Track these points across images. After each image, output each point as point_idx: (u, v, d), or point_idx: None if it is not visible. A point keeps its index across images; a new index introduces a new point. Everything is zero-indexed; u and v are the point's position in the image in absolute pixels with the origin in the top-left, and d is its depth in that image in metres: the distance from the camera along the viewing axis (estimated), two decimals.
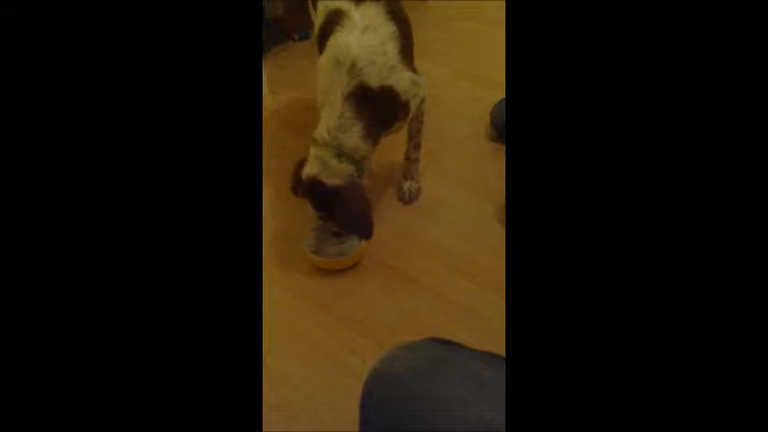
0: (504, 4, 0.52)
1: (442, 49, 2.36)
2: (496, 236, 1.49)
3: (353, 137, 1.33)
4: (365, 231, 1.37)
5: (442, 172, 1.72)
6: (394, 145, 1.62)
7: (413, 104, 1.44)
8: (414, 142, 1.58)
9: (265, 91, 2.12)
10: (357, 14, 1.35)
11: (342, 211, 1.34)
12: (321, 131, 1.35)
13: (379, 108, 1.35)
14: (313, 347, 1.27)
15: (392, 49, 1.34)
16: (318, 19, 1.50)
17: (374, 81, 1.31)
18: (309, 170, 1.34)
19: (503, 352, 0.53)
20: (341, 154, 1.33)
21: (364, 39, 1.32)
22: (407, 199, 1.62)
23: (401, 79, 1.36)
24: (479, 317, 1.29)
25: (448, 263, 1.44)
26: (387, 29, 1.35)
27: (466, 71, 2.19)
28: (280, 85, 2.16)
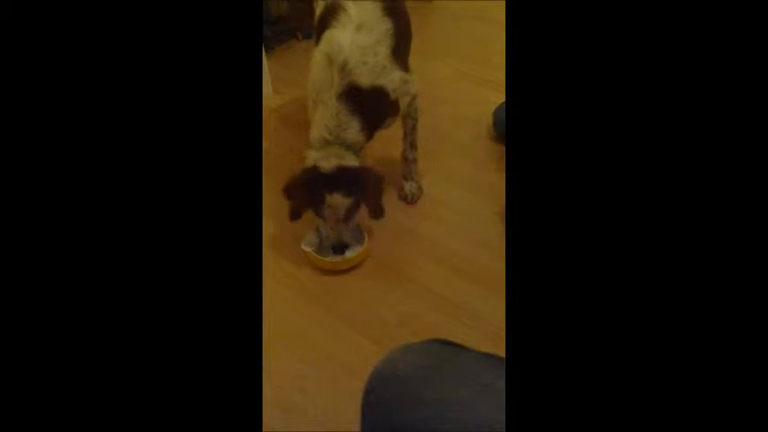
0: None
1: (446, 49, 2.35)
2: (498, 237, 1.49)
3: (353, 131, 1.37)
4: (380, 208, 1.41)
5: (444, 172, 1.72)
6: (394, 144, 1.62)
7: (403, 102, 1.45)
8: (409, 141, 1.58)
9: (269, 89, 2.12)
10: (354, 9, 1.35)
11: (368, 188, 1.36)
12: (321, 132, 1.36)
13: (370, 106, 1.37)
14: (314, 347, 1.27)
15: (384, 48, 1.36)
16: (317, 9, 1.51)
17: (365, 81, 1.33)
18: (330, 164, 1.34)
19: (504, 353, 0.53)
20: (348, 148, 1.37)
21: (358, 37, 1.33)
22: (409, 200, 1.62)
23: (392, 79, 1.38)
24: (480, 317, 1.29)
25: (449, 263, 1.44)
26: (382, 26, 1.36)
27: (469, 72, 2.18)
28: (283, 83, 2.16)
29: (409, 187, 1.62)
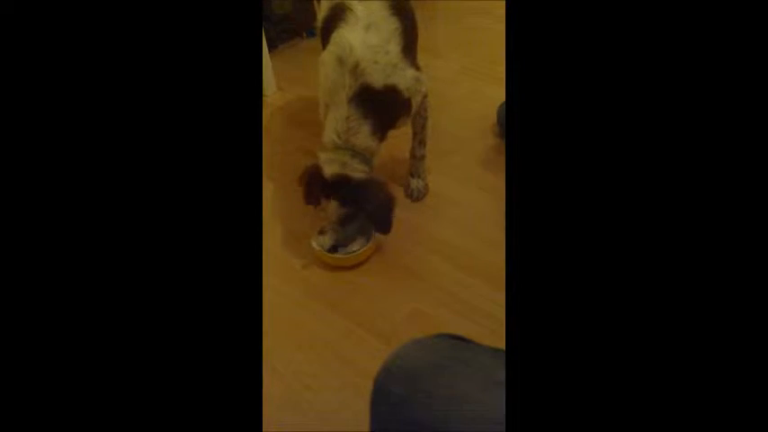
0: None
1: (451, 45, 2.35)
2: (504, 233, 1.49)
3: (363, 136, 1.35)
4: (387, 225, 1.39)
5: (450, 169, 1.72)
6: (400, 142, 1.62)
7: (415, 101, 1.44)
8: (419, 139, 1.58)
9: (273, 87, 2.12)
10: (360, 9, 1.34)
11: (371, 202, 1.35)
12: (331, 136, 1.36)
13: (383, 107, 1.35)
14: (321, 345, 1.27)
15: (394, 47, 1.34)
16: (322, 12, 1.50)
17: (377, 81, 1.32)
18: (331, 170, 1.34)
19: None
20: (355, 154, 1.35)
21: (367, 37, 1.32)
22: (415, 197, 1.62)
23: (403, 77, 1.37)
24: (487, 314, 1.29)
25: (456, 260, 1.44)
26: (390, 25, 1.35)
27: (474, 68, 2.18)
28: (288, 81, 2.16)
29: (416, 184, 1.62)
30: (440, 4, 2.70)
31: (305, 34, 2.48)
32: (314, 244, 1.45)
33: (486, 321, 1.27)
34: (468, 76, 2.15)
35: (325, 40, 1.41)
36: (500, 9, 2.46)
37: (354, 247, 1.44)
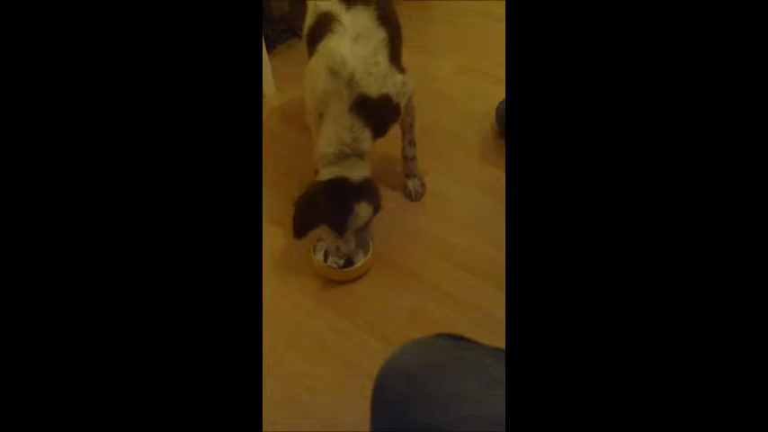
0: None
1: (447, 44, 2.35)
2: (504, 232, 1.48)
3: (367, 141, 1.38)
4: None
5: (448, 168, 1.72)
6: (392, 143, 1.62)
7: (402, 103, 1.47)
8: (408, 138, 1.59)
9: (272, 88, 2.12)
10: (348, 20, 1.35)
11: (364, 204, 1.36)
12: (339, 147, 1.36)
13: (378, 114, 1.38)
14: (321, 346, 1.27)
15: (383, 58, 1.37)
16: (308, 20, 1.50)
17: (372, 91, 1.34)
18: (354, 174, 1.36)
19: None
20: (359, 159, 1.38)
21: (356, 48, 1.33)
22: (413, 197, 1.62)
23: (393, 84, 1.40)
24: (487, 314, 1.29)
25: (455, 260, 1.44)
26: (378, 36, 1.36)
27: (472, 67, 2.17)
28: (286, 81, 2.16)
29: (413, 184, 1.62)
30: (439, 4, 2.70)
31: (302, 34, 2.48)
32: (313, 256, 1.44)
33: (486, 321, 1.27)
34: (465, 74, 2.15)
35: (312, 48, 1.42)
36: (499, 9, 2.46)
37: (359, 258, 1.43)
